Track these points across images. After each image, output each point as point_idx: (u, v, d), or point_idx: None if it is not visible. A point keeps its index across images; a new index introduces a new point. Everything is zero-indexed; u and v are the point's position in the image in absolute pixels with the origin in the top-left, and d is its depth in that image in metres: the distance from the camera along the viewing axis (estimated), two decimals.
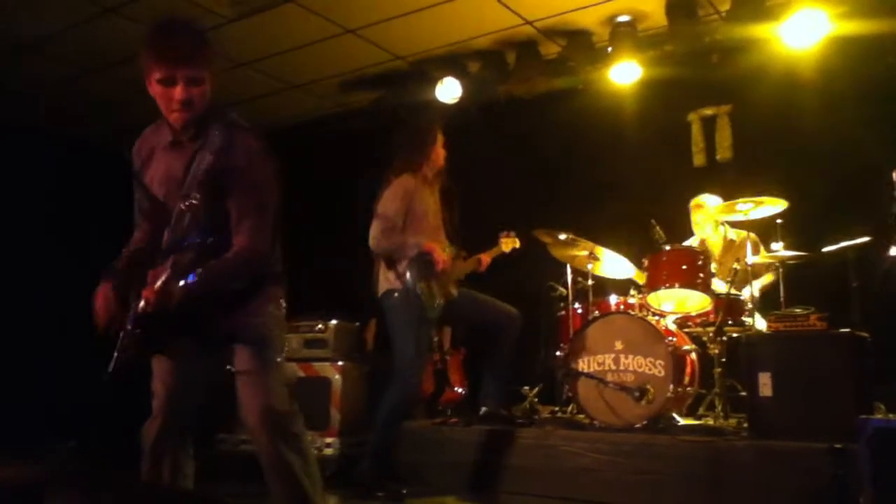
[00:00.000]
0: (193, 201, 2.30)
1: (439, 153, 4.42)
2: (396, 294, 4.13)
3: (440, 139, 4.42)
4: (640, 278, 4.85)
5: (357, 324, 5.50)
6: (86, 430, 5.29)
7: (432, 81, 6.17)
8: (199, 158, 2.36)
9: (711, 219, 5.09)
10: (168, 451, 2.58)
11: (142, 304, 2.31)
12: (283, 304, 2.70)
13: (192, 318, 2.42)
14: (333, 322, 5.33)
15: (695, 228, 5.23)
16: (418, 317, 4.09)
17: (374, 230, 4.18)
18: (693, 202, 5.20)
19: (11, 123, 7.12)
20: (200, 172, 2.33)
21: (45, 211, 7.28)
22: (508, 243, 4.83)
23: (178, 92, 2.36)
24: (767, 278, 4.78)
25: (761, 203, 4.38)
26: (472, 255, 4.66)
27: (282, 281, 2.71)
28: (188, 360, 2.57)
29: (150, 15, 5.61)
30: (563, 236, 4.75)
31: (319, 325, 5.33)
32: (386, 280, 4.22)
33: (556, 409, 4.80)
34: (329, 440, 4.90)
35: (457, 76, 6.12)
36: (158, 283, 2.28)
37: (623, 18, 5.58)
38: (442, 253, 4.13)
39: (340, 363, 5.14)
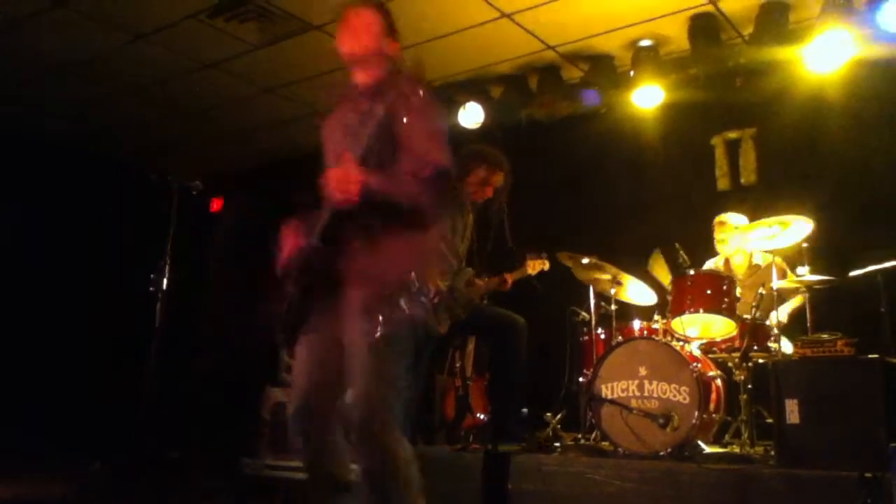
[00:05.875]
0: (369, 140, 2.36)
1: (470, 185, 4.40)
2: None
3: (477, 175, 4.40)
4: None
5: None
6: (110, 450, 5.34)
7: (455, 106, 6.21)
8: (374, 109, 2.43)
9: (734, 237, 5.00)
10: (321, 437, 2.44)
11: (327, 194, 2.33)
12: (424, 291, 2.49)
13: (332, 272, 2.38)
14: None
15: (718, 247, 5.16)
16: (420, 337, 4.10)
17: None
18: (717, 219, 5.13)
19: (46, 139, 7.31)
20: (375, 118, 2.39)
21: (78, 224, 7.41)
22: (536, 265, 4.77)
23: (346, 23, 2.58)
24: (797, 301, 4.71)
25: (786, 225, 4.33)
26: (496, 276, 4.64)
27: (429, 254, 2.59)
28: (324, 337, 2.44)
29: (178, 42, 5.83)
30: (585, 260, 4.73)
31: None
32: None
33: (580, 435, 4.75)
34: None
35: (479, 101, 6.15)
36: (338, 168, 2.26)
37: (645, 43, 5.61)
38: (436, 285, 4.08)
39: None
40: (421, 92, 2.27)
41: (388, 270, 2.38)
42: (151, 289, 4.56)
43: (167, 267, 4.61)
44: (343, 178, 2.27)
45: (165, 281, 4.60)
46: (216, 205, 8.45)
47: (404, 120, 2.27)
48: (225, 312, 7.94)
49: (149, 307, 4.67)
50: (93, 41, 5.76)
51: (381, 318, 2.34)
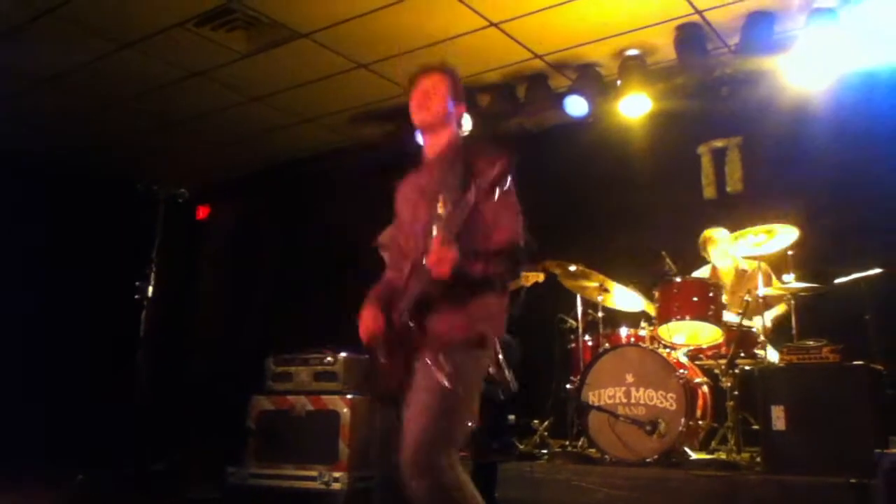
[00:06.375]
0: (442, 198, 2.50)
1: None
2: None
3: None
4: (651, 309, 4.83)
5: (366, 356, 5.47)
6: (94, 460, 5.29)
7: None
8: (447, 170, 2.61)
9: (722, 251, 5.05)
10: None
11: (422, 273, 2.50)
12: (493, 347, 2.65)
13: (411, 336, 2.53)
14: (343, 354, 5.31)
15: (708, 258, 5.19)
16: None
17: (384, 232, 4.21)
18: (702, 237, 5.16)
19: (28, 153, 7.26)
20: (447, 180, 2.55)
21: (64, 232, 7.36)
22: (530, 277, 4.75)
23: (416, 92, 2.77)
24: (781, 308, 4.73)
25: (772, 233, 4.37)
26: None
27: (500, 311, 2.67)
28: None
29: (166, 50, 5.81)
30: (573, 268, 4.75)
31: (329, 358, 5.31)
32: None
33: (567, 442, 4.75)
34: (337, 474, 4.86)
35: (467, 109, 6.13)
36: (435, 247, 2.42)
37: (632, 52, 5.62)
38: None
39: (350, 396, 5.11)
40: (495, 164, 2.38)
41: (460, 331, 2.53)
42: (136, 297, 4.54)
43: (152, 275, 4.59)
44: (440, 258, 2.41)
45: (151, 289, 4.58)
46: (202, 213, 8.43)
47: (480, 194, 2.39)
48: (212, 321, 7.90)
49: (134, 315, 4.65)
50: (80, 51, 5.72)
51: (450, 363, 2.47)
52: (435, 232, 2.48)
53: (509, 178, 2.41)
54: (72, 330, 7.15)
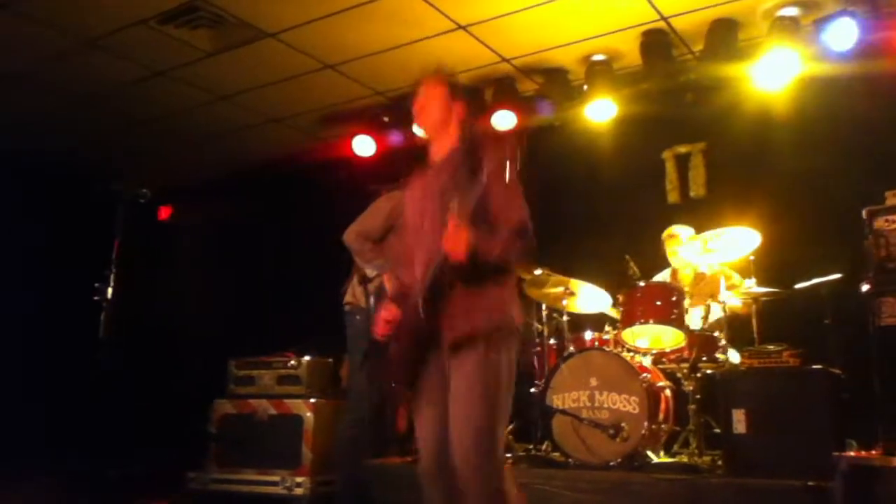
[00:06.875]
0: (453, 200, 2.52)
1: None
2: (358, 317, 4.10)
3: None
4: (615, 312, 4.85)
5: (331, 360, 5.43)
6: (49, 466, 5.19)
7: (411, 117, 6.17)
8: (452, 170, 2.69)
9: (683, 250, 5.05)
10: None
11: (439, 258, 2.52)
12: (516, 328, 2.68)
13: (433, 327, 2.57)
14: (307, 358, 5.27)
15: (669, 258, 5.22)
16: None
17: (349, 229, 4.17)
18: (666, 233, 5.20)
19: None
20: (456, 177, 2.63)
21: (23, 233, 7.22)
22: None
23: (416, 102, 2.91)
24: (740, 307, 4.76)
25: (731, 237, 4.41)
26: None
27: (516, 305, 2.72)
28: (436, 398, 2.60)
29: (127, 48, 5.70)
30: (538, 272, 4.75)
31: (292, 362, 5.26)
32: (353, 295, 4.20)
33: (531, 446, 4.74)
34: (300, 479, 4.81)
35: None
36: (450, 231, 2.46)
37: (599, 57, 5.66)
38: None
39: (313, 400, 5.06)
40: (504, 144, 2.47)
41: (486, 315, 2.58)
42: (96, 298, 4.46)
43: (112, 276, 4.51)
44: (455, 241, 2.46)
45: (110, 290, 4.50)
46: (164, 213, 8.32)
47: (489, 182, 2.47)
48: (177, 323, 7.79)
49: (93, 317, 4.56)
50: (39, 48, 5.60)
51: (482, 352, 2.53)
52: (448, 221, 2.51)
53: (512, 159, 2.48)
54: (28, 330, 7.00)
